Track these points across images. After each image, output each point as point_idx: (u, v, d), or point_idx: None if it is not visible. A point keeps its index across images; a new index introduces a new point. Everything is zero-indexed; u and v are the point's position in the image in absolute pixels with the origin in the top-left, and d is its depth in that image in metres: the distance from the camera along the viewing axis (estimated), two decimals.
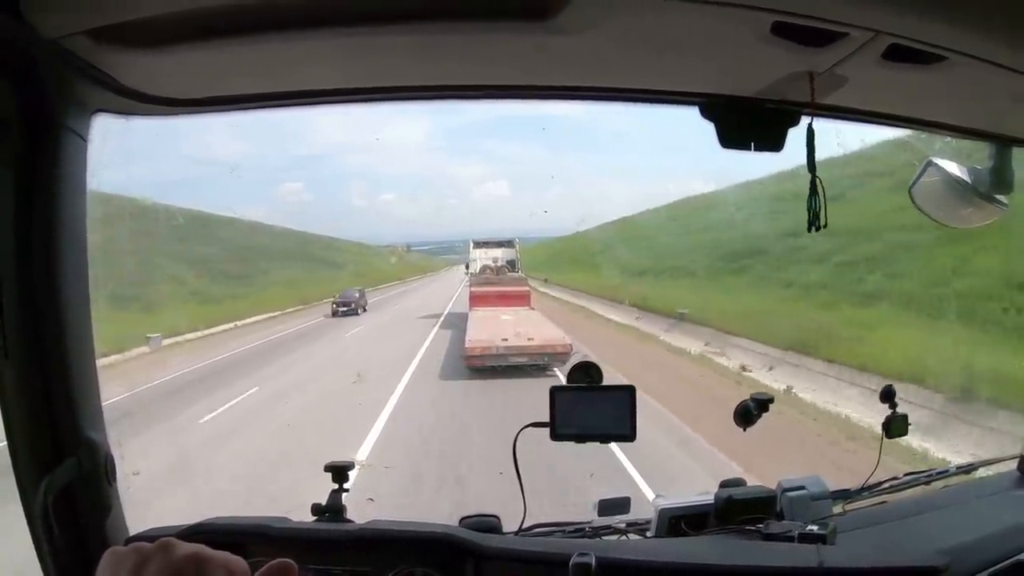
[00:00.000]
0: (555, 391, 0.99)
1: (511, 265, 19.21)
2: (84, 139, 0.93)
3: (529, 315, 13.74)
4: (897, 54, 0.79)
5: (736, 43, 0.79)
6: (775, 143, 0.97)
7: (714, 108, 0.96)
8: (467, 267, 20.03)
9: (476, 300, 15.14)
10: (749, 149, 0.97)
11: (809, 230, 0.89)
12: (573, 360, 9.21)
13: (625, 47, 0.82)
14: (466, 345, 10.38)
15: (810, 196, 0.88)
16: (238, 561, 0.43)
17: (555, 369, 9.81)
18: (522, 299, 15.31)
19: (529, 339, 10.47)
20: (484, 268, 18.84)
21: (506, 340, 10.37)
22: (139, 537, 0.99)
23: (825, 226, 0.87)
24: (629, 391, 0.97)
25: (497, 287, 16.05)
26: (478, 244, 20.24)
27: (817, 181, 0.88)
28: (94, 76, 0.85)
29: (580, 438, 0.97)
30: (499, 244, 20.21)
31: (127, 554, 0.42)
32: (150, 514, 1.24)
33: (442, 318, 16.92)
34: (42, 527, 0.85)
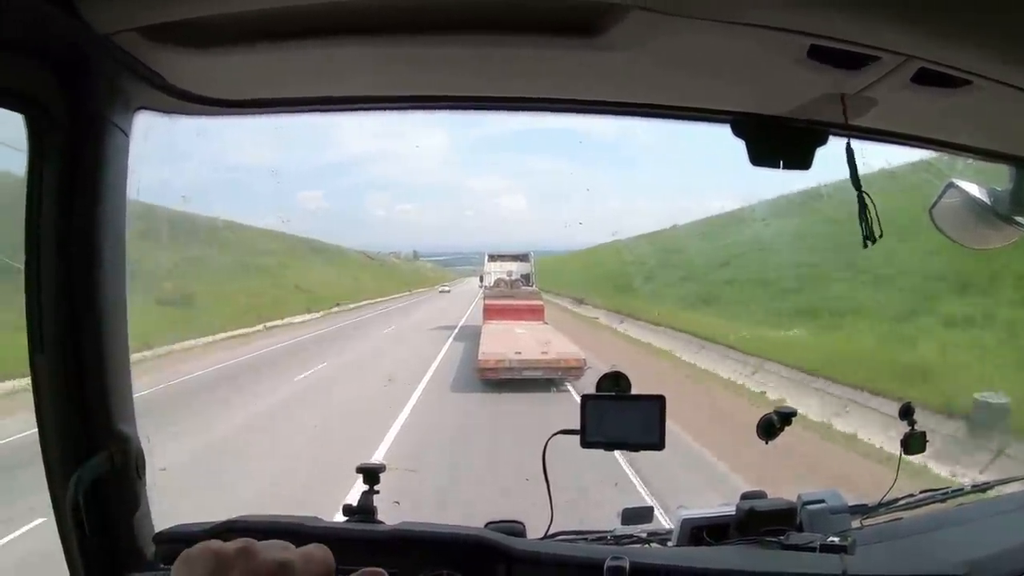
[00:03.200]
0: (586, 399, 0.99)
1: (525, 279, 19.11)
2: (127, 135, 0.94)
3: (543, 329, 13.58)
4: (925, 77, 0.81)
5: (773, 65, 0.81)
6: (804, 161, 1.00)
7: (745, 126, 0.98)
8: (481, 279, 19.84)
9: (490, 313, 15.01)
10: (778, 167, 0.99)
11: (864, 245, 0.89)
12: (588, 375, 9.04)
13: (665, 66, 0.84)
14: (479, 358, 10.21)
15: (861, 212, 0.89)
16: (323, 559, 0.40)
17: (568, 385, 9.68)
18: (536, 313, 15.17)
19: (543, 353, 10.35)
20: (499, 281, 18.74)
21: (519, 354, 10.23)
22: (168, 534, 0.99)
23: (881, 236, 0.87)
24: (659, 401, 0.97)
25: (511, 301, 15.94)
26: (493, 257, 20.13)
27: (865, 196, 0.88)
28: (142, 73, 0.86)
29: (609, 446, 0.98)
30: (514, 258, 20.10)
31: (204, 559, 0.38)
32: None
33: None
34: (72, 520, 0.84)
